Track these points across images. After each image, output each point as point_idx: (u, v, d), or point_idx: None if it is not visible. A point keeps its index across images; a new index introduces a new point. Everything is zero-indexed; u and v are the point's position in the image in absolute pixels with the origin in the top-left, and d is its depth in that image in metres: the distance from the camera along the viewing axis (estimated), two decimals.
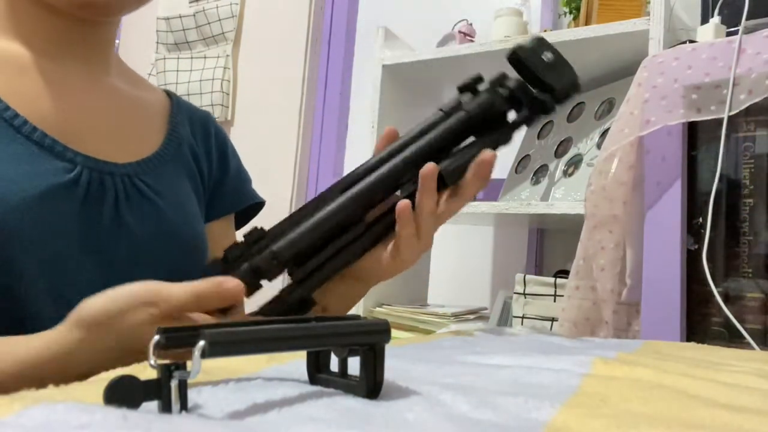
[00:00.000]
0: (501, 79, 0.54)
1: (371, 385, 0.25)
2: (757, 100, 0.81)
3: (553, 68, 0.54)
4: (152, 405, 0.22)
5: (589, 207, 0.95)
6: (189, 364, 0.21)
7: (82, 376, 0.31)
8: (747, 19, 0.87)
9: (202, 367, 0.21)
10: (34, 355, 0.41)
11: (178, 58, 2.15)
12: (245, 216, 0.76)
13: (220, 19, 2.10)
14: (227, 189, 0.72)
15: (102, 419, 0.17)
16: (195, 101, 1.75)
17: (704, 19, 1.00)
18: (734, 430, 0.23)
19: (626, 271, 0.93)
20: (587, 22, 1.22)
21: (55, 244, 0.51)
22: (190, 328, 0.25)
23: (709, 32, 0.95)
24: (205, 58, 2.11)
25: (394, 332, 0.26)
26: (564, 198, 1.19)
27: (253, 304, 0.53)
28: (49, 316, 0.47)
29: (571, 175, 1.23)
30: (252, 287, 0.48)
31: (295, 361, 0.32)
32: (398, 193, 0.54)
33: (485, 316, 1.37)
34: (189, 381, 0.22)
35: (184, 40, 2.16)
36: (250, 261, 0.49)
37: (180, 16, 2.15)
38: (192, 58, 2.13)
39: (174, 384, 0.22)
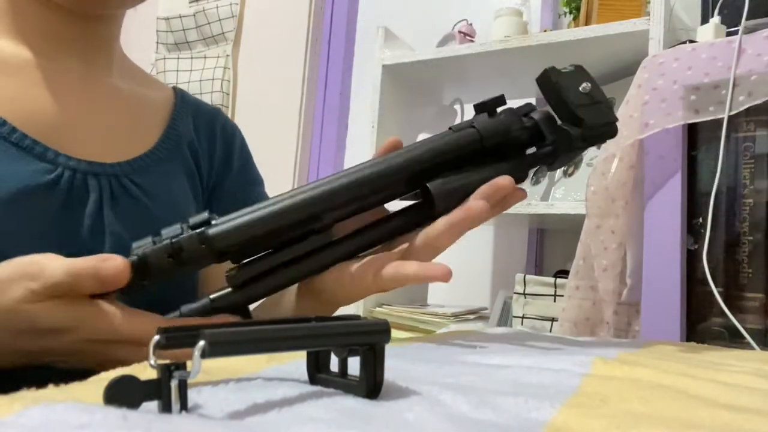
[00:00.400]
0: (526, 109, 0.47)
1: (371, 385, 0.25)
2: (757, 102, 0.81)
3: (588, 102, 0.45)
4: (152, 405, 0.22)
5: (591, 207, 0.95)
6: (189, 364, 0.21)
7: None
8: (747, 19, 0.87)
9: (202, 367, 0.21)
10: None
11: (178, 58, 2.15)
12: None
13: (220, 19, 2.10)
14: (226, 191, 0.69)
15: (102, 419, 0.17)
16: None
17: (704, 19, 1.00)
18: (734, 430, 0.23)
19: (626, 271, 0.93)
20: (587, 22, 1.22)
21: (32, 245, 0.50)
22: (191, 327, 0.25)
23: (709, 32, 0.95)
24: (205, 58, 2.11)
25: (394, 332, 0.26)
26: (564, 198, 1.19)
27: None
28: None
29: (571, 175, 1.23)
30: (164, 272, 0.40)
31: (295, 361, 0.32)
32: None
33: (485, 316, 1.38)
34: (189, 381, 0.22)
35: (184, 40, 2.16)
36: (172, 239, 0.40)
37: (180, 16, 2.15)
38: (192, 58, 2.13)
39: (174, 384, 0.22)
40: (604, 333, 0.95)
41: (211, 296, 0.45)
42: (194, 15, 2.13)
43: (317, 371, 0.27)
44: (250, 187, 0.72)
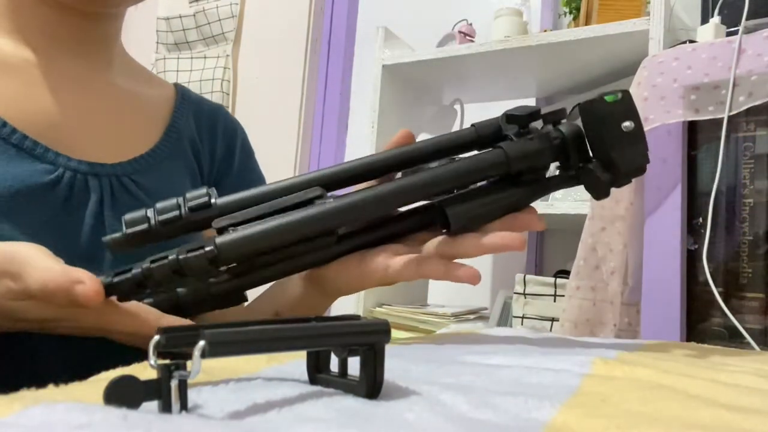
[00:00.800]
0: (557, 117, 0.45)
1: (371, 385, 0.25)
2: (757, 102, 0.81)
3: (626, 142, 0.42)
4: (152, 405, 0.22)
5: (596, 208, 0.95)
6: (189, 364, 0.21)
7: None
8: (747, 19, 0.87)
9: (202, 367, 0.21)
10: None
11: (178, 58, 2.15)
12: None
13: (220, 19, 2.10)
14: (227, 188, 0.68)
15: (102, 419, 0.17)
16: None
17: (704, 19, 1.00)
18: (734, 430, 0.23)
19: (628, 272, 0.93)
20: (587, 22, 1.22)
21: None
22: (191, 327, 0.25)
23: (709, 32, 0.95)
24: (205, 58, 2.11)
25: (394, 332, 0.26)
26: (564, 198, 1.19)
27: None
28: None
29: None
30: (167, 285, 0.40)
31: (295, 361, 0.32)
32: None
33: (485, 316, 1.38)
34: (189, 381, 0.22)
35: (184, 40, 2.16)
36: (178, 256, 0.38)
37: (180, 16, 2.15)
38: (192, 58, 2.13)
39: (174, 384, 0.22)
40: (604, 333, 0.95)
41: (212, 279, 0.44)
42: (194, 15, 2.13)
43: (317, 371, 0.27)
44: (251, 184, 0.72)
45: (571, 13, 1.36)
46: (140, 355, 0.28)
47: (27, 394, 0.21)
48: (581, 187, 0.45)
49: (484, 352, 0.39)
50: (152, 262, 0.39)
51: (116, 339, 0.42)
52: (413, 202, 0.44)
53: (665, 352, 0.44)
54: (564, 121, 0.45)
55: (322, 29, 2.00)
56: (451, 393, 0.26)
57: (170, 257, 0.39)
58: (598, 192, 0.43)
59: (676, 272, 0.88)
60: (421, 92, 1.50)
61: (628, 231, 0.93)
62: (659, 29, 1.03)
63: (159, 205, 0.42)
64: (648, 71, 0.91)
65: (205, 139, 0.68)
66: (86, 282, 0.36)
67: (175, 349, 0.23)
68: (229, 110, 2.04)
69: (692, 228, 0.89)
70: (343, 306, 1.18)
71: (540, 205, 1.16)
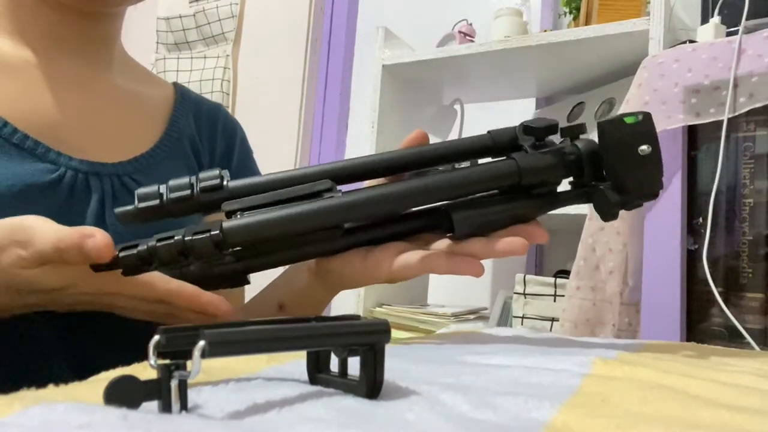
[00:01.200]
0: (575, 132, 0.44)
1: (371, 385, 0.25)
2: (758, 105, 0.81)
3: (642, 166, 0.42)
4: (152, 405, 0.22)
5: None
6: (189, 364, 0.21)
7: None
8: (747, 19, 0.87)
9: (202, 367, 0.21)
10: None
11: (178, 58, 2.15)
12: None
13: (220, 19, 2.10)
14: None
15: (102, 419, 0.17)
16: None
17: (704, 19, 1.00)
18: (734, 430, 0.23)
19: (628, 272, 0.93)
20: (587, 22, 1.22)
21: None
22: (191, 327, 0.25)
23: (709, 32, 0.95)
24: (205, 58, 2.11)
25: (394, 332, 0.26)
26: None
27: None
28: (31, 319, 0.47)
29: None
30: (171, 264, 0.40)
31: (295, 361, 0.32)
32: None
33: (485, 316, 1.37)
34: (189, 381, 0.22)
35: (184, 40, 2.16)
36: (184, 237, 0.39)
37: (180, 16, 2.15)
38: (192, 58, 2.13)
39: (174, 384, 0.22)
40: (604, 333, 0.95)
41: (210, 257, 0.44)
42: (194, 15, 2.13)
43: (317, 371, 0.27)
44: None
45: (571, 13, 1.36)
46: (140, 356, 0.28)
47: (27, 394, 0.21)
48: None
49: (484, 352, 0.39)
50: (158, 240, 0.39)
51: (122, 312, 0.43)
52: (420, 206, 0.44)
53: (665, 352, 0.44)
54: (582, 136, 0.45)
55: (322, 29, 2.00)
56: (451, 393, 0.26)
57: (176, 237, 0.39)
58: (606, 213, 0.43)
59: (676, 272, 0.88)
60: (421, 92, 1.50)
61: (627, 231, 0.93)
62: (659, 29, 1.03)
63: (172, 182, 0.43)
64: (648, 72, 0.91)
65: (204, 138, 0.68)
66: (96, 235, 0.37)
67: (175, 349, 0.23)
68: (229, 110, 2.03)
69: (692, 228, 0.89)
70: (343, 306, 1.18)
71: None
